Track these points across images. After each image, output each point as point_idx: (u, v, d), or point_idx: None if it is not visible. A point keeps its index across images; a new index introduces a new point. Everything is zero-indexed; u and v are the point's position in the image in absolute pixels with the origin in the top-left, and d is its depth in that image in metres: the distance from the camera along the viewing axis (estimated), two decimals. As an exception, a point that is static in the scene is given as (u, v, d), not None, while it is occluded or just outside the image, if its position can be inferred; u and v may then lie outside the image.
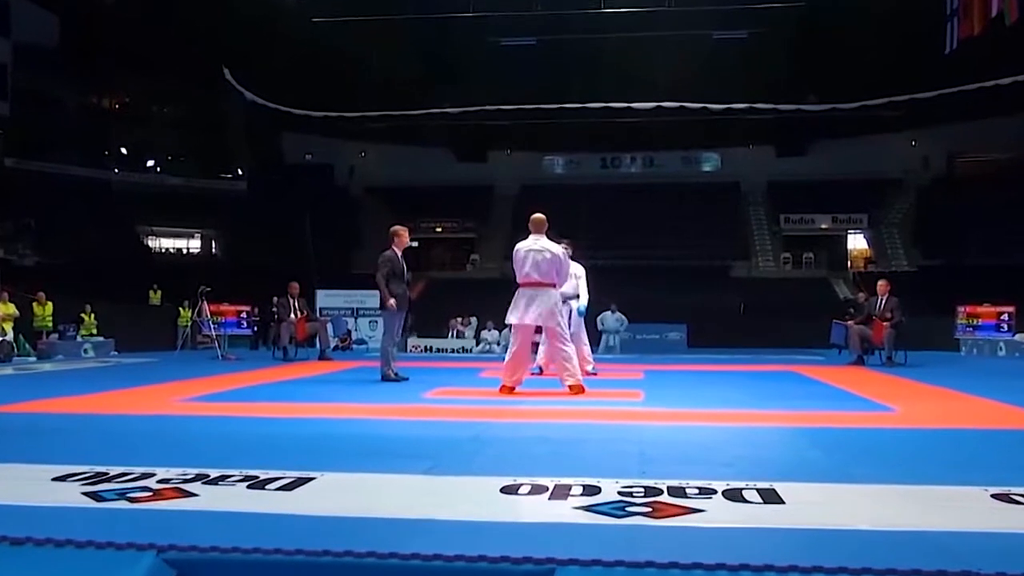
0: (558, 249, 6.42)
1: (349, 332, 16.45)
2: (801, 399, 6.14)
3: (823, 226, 28.26)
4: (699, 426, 4.60)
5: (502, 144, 30.74)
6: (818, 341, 13.20)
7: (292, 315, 11.56)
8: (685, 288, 22.40)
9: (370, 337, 17.23)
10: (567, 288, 7.69)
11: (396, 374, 7.52)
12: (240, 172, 31.03)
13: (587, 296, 8.35)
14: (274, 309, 12.30)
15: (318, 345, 11.84)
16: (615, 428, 4.49)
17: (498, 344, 15.84)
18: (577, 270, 8.34)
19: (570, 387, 6.25)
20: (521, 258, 6.28)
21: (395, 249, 7.69)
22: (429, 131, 28.32)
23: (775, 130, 28.37)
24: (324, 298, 17.85)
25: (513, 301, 6.31)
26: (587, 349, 8.40)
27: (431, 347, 15.98)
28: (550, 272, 6.24)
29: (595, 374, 8.14)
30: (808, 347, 15.17)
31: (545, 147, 30.74)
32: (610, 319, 16.37)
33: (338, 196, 29.61)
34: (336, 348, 15.74)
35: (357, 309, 17.97)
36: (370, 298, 18.88)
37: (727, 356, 13.26)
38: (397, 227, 7.82)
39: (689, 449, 3.73)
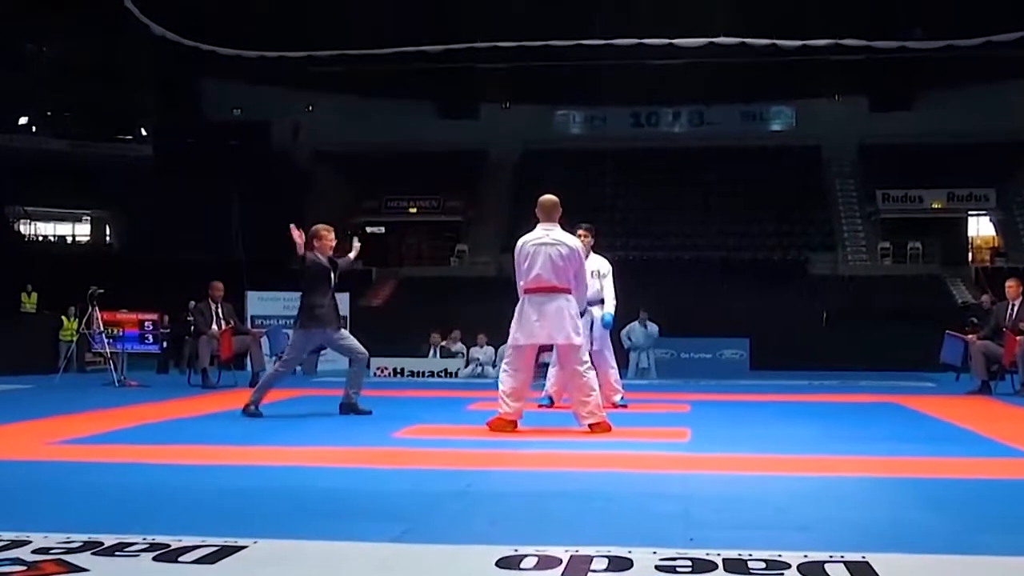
0: (575, 243, 6.43)
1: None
2: (904, 440, 6.15)
3: (935, 205, 28.29)
4: (765, 476, 4.61)
5: (499, 94, 30.81)
6: (928, 361, 13.22)
7: (214, 326, 11.58)
8: (747, 289, 22.45)
9: (322, 355, 17.21)
10: (588, 291, 7.70)
11: (255, 407, 7.39)
12: (144, 133, 31.09)
13: (615, 301, 8.34)
14: (189, 318, 12.29)
15: (249, 367, 11.85)
16: (652, 479, 4.51)
17: (493, 365, 15.90)
18: (602, 266, 8.36)
19: (591, 426, 6.24)
20: (528, 254, 6.26)
21: (317, 255, 7.74)
22: (401, 77, 28.36)
23: (869, 75, 28.40)
24: (258, 303, 17.88)
25: (517, 314, 6.26)
26: (615, 373, 8.39)
27: (402, 370, 16.00)
28: (567, 273, 6.26)
29: (625, 407, 8.14)
30: (915, 369, 15.19)
31: (557, 98, 30.82)
32: (639, 332, 16.39)
33: (277, 165, 29.68)
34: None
35: (301, 318, 17.95)
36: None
37: (803, 382, 13.27)
38: (319, 227, 7.80)
39: (752, 508, 3.74)
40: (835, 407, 9.20)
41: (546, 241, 6.26)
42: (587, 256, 7.79)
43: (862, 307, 22.29)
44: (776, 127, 31.15)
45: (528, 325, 6.19)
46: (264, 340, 12.87)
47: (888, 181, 28.19)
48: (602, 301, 8.27)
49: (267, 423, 7.21)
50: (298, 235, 7.52)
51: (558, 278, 6.21)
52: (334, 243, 7.86)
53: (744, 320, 19.58)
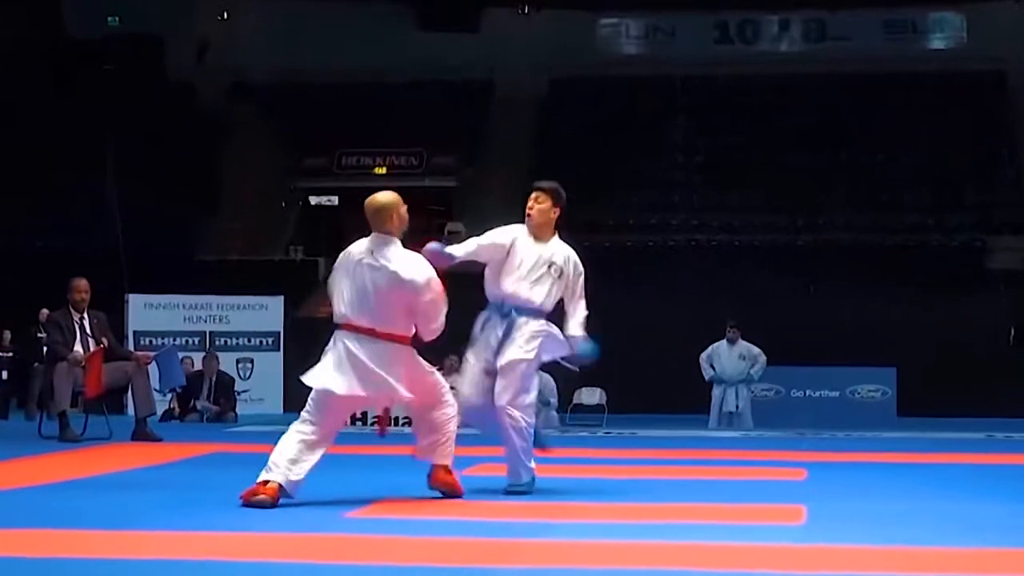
0: (417, 272, 6.71)
1: (195, 378, 16.46)
2: None
3: None
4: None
5: (511, -6, 30.76)
6: None
7: (78, 347, 11.59)
8: (893, 293, 22.32)
9: (243, 392, 17.26)
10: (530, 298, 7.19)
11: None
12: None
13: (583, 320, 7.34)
14: (41, 335, 12.31)
15: (131, 409, 11.85)
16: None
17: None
18: (559, 259, 7.29)
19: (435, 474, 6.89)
20: (345, 274, 6.87)
21: None
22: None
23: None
24: (144, 313, 17.97)
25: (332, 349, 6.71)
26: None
27: (363, 415, 15.90)
28: (396, 313, 6.71)
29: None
30: None
31: (600, 0, 30.75)
32: (727, 356, 16.33)
33: (175, 102, 29.72)
34: (171, 414, 15.71)
35: (211, 334, 17.99)
36: (237, 312, 18.85)
37: (979, 435, 13.19)
38: None
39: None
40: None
41: (369, 262, 6.75)
42: (537, 237, 7.25)
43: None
44: (937, 44, 30.95)
45: (342, 369, 6.62)
46: (152, 369, 12.80)
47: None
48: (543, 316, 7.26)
49: (158, 495, 7.18)
50: None
51: (380, 321, 6.65)
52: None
53: (889, 340, 19.46)
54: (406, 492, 7.09)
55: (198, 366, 16.87)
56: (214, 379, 16.26)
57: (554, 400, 16.64)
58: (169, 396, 15.62)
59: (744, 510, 6.62)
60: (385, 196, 6.98)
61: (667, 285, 22.17)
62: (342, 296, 6.79)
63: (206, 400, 16.04)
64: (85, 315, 11.74)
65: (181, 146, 27.74)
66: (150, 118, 27.63)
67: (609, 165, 27.12)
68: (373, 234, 6.86)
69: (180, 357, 15.09)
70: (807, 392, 18.21)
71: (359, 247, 6.86)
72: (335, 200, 29.47)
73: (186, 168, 27.31)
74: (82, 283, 11.83)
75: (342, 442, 10.42)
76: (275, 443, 7.67)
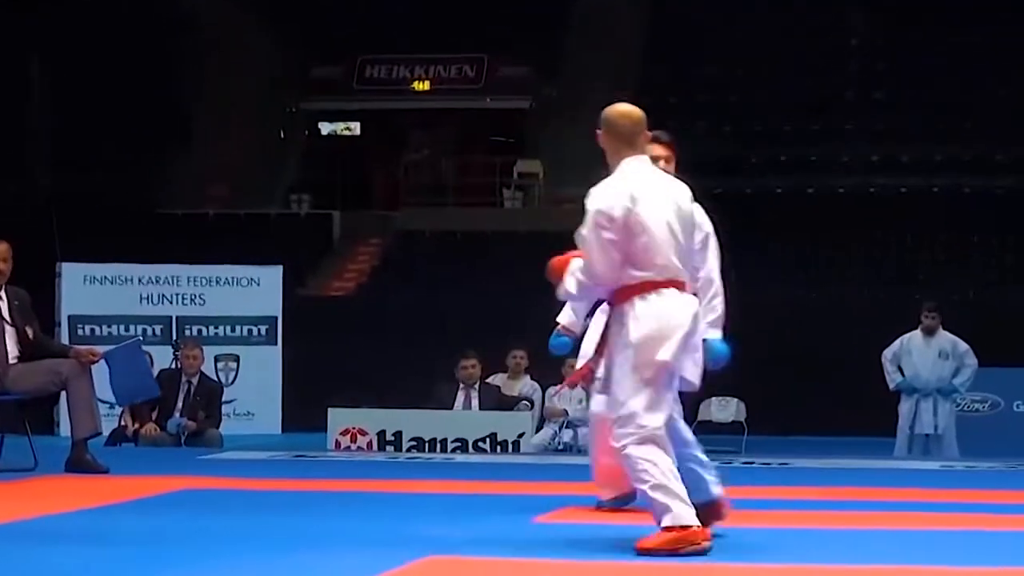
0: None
1: (166, 381, 16.54)
2: None
3: None
4: None
5: None
6: None
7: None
8: None
9: (231, 401, 17.38)
10: None
11: None
12: None
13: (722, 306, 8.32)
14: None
15: (66, 427, 11.95)
16: None
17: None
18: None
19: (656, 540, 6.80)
20: (649, 220, 6.94)
21: None
22: None
23: None
24: (82, 289, 18.13)
25: (660, 321, 6.77)
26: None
27: (396, 435, 16.07)
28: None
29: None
30: None
31: None
32: (923, 353, 16.41)
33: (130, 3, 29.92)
34: (122, 434, 15.82)
35: (179, 320, 18.11)
36: (217, 288, 18.73)
37: None
38: None
39: None
40: None
41: (669, 198, 7.05)
42: None
43: None
44: None
45: (677, 345, 6.88)
46: (101, 371, 12.82)
47: None
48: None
49: (103, 551, 7.22)
50: None
51: (686, 265, 7.14)
52: None
53: None
54: (471, 548, 7.09)
55: (161, 364, 16.88)
56: (195, 382, 16.22)
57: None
58: (119, 409, 15.68)
59: (950, 575, 6.58)
60: (633, 107, 7.23)
61: (834, 250, 22.07)
62: (661, 248, 6.97)
63: (180, 413, 15.93)
64: (3, 294, 11.82)
65: (135, 57, 27.89)
66: (91, 20, 27.80)
67: (749, 80, 26.99)
68: (632, 156, 7.11)
69: (143, 355, 15.19)
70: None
71: (640, 184, 7.03)
72: (355, 128, 29.62)
73: (142, 88, 27.48)
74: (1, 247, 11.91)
75: (375, 472, 10.60)
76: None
